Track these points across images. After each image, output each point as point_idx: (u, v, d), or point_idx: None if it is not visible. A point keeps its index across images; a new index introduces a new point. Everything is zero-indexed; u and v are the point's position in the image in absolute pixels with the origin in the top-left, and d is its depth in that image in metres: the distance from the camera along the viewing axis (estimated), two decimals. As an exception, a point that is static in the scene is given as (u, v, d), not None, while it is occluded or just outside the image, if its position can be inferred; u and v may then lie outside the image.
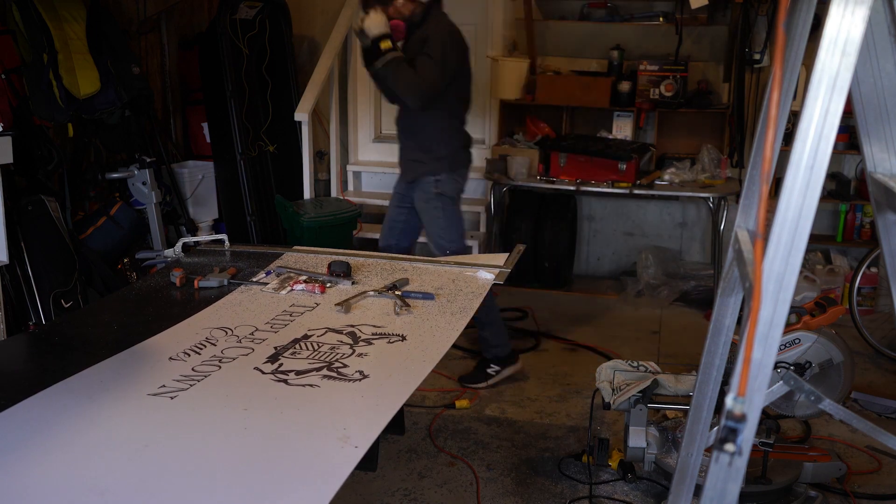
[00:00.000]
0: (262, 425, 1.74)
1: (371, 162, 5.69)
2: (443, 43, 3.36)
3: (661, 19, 5.20)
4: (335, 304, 2.47)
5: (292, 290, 2.60)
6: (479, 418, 3.55)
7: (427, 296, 2.54)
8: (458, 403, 3.58)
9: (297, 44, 5.55)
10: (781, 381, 2.34)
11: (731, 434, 1.10)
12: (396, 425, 3.29)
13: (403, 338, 2.22)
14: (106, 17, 4.31)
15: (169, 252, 2.87)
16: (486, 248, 5.28)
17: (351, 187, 5.66)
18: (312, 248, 3.05)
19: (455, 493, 2.97)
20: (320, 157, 5.57)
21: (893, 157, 1.53)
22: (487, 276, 2.78)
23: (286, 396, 1.87)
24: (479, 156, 5.49)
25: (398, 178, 3.68)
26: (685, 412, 2.88)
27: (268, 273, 2.76)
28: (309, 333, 2.25)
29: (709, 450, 1.68)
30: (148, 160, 4.44)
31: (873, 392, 3.78)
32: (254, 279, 2.71)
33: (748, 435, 1.16)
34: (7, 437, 1.66)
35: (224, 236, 3.03)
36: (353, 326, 2.31)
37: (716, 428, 1.48)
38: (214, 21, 5.00)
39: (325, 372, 1.99)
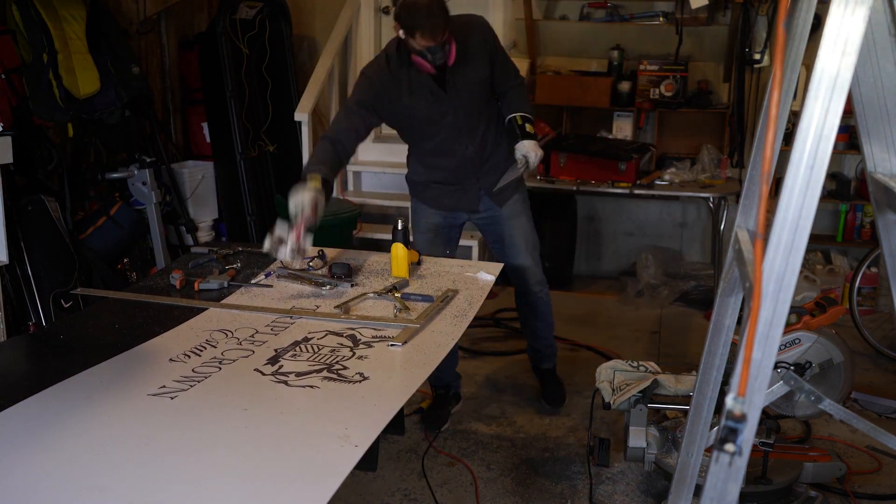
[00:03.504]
0: (262, 425, 1.74)
1: (371, 162, 5.69)
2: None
3: (661, 19, 5.20)
4: (335, 307, 2.47)
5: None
6: (479, 418, 3.54)
7: (427, 298, 2.54)
8: (423, 405, 3.58)
9: (297, 44, 5.55)
10: (781, 381, 2.35)
11: (731, 434, 1.10)
12: (396, 426, 3.29)
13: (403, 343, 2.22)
14: (106, 17, 4.31)
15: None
16: (487, 247, 5.28)
17: (351, 187, 5.66)
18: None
19: (455, 494, 2.97)
20: (320, 157, 5.57)
21: (893, 157, 1.53)
22: (488, 278, 2.78)
23: (286, 397, 1.87)
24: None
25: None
26: (685, 412, 2.87)
27: (268, 275, 2.76)
28: (309, 336, 2.25)
29: (709, 450, 1.68)
30: (148, 160, 4.43)
31: (873, 392, 3.78)
32: (253, 281, 2.71)
33: (748, 435, 1.16)
34: (7, 437, 1.66)
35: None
36: (353, 329, 2.31)
37: (716, 428, 1.48)
38: (214, 21, 5.00)
39: (325, 374, 1.99)
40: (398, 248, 2.72)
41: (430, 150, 3.25)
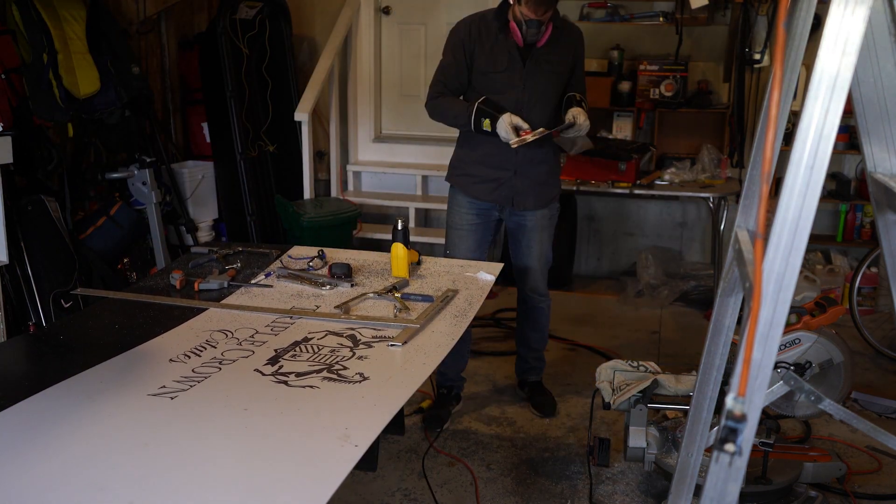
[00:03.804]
0: (262, 425, 1.74)
1: (371, 162, 5.69)
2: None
3: (661, 19, 5.20)
4: (335, 307, 2.47)
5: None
6: (479, 418, 3.55)
7: (427, 298, 2.54)
8: (423, 405, 3.57)
9: (297, 44, 5.55)
10: (781, 381, 2.35)
11: (731, 434, 1.10)
12: (396, 426, 3.28)
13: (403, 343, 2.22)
14: (106, 17, 4.31)
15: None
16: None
17: (351, 187, 5.66)
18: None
19: (455, 494, 2.97)
20: (320, 157, 5.57)
21: (893, 157, 1.54)
22: (488, 278, 2.78)
23: (286, 397, 1.87)
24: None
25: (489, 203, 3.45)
26: (685, 412, 2.88)
27: (268, 275, 2.76)
28: (309, 336, 2.25)
29: (709, 450, 1.68)
30: (148, 160, 4.43)
31: (873, 392, 3.78)
32: (253, 281, 2.71)
33: (748, 435, 1.16)
34: (7, 436, 1.66)
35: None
36: (353, 329, 2.30)
37: (716, 428, 1.48)
38: (214, 21, 5.00)
39: (325, 374, 1.99)
40: (398, 248, 2.73)
41: None
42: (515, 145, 3.13)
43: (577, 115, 3.24)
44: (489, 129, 3.15)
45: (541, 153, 3.38)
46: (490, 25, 3.25)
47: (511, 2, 3.16)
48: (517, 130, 3.11)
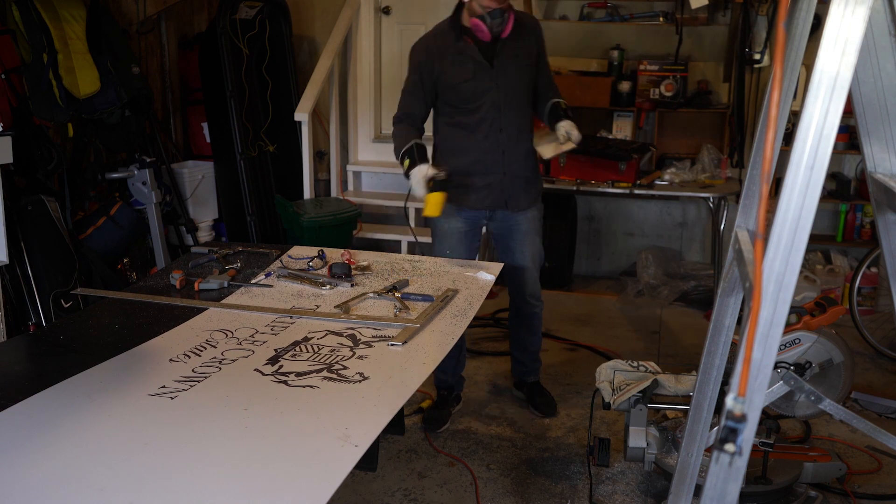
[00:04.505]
0: (263, 425, 1.74)
1: (371, 162, 5.69)
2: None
3: (661, 19, 5.20)
4: (335, 307, 2.47)
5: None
6: (479, 418, 3.54)
7: (427, 297, 2.54)
8: (423, 405, 3.57)
9: (297, 44, 5.55)
10: (781, 381, 2.35)
11: (731, 434, 1.10)
12: (396, 425, 3.28)
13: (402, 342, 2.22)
14: (106, 17, 4.31)
15: None
16: (486, 248, 5.27)
17: (351, 187, 5.66)
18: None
19: (455, 494, 2.97)
20: (320, 157, 5.57)
21: (893, 157, 1.54)
22: (488, 278, 2.78)
23: (286, 397, 1.87)
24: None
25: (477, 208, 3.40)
26: (685, 412, 2.88)
27: (268, 275, 2.76)
28: (309, 336, 2.25)
29: (709, 450, 1.68)
30: (148, 160, 4.43)
31: (873, 392, 3.78)
32: (253, 281, 2.71)
33: (748, 435, 1.16)
34: (7, 436, 1.66)
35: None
36: (353, 329, 2.31)
37: (716, 428, 1.48)
38: (214, 21, 5.00)
39: (325, 374, 1.99)
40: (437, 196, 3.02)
41: (466, 125, 3.29)
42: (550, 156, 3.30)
43: (571, 131, 3.24)
44: (404, 171, 3.17)
45: (524, 150, 3.37)
46: (447, 36, 3.21)
47: (465, 1, 3.12)
48: (429, 181, 3.09)
